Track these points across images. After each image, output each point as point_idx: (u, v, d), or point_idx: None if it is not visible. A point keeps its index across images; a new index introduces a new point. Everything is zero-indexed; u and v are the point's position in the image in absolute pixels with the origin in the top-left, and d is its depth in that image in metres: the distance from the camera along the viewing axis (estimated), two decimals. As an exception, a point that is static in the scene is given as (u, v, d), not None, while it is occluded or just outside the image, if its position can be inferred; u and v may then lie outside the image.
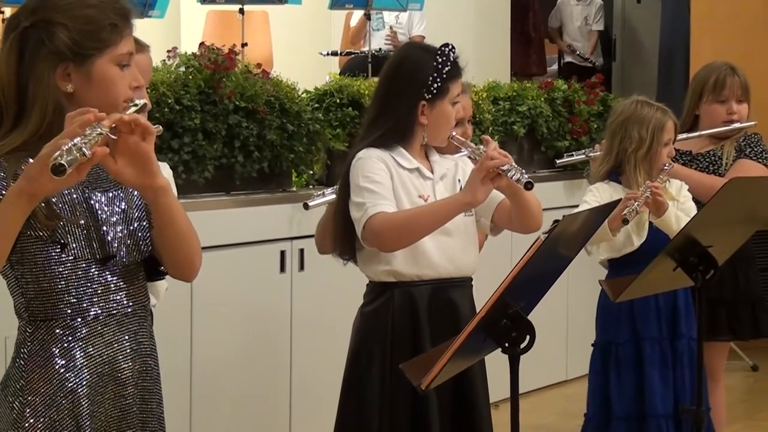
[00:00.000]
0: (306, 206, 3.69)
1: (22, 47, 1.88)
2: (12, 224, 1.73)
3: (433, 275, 2.71)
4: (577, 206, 3.49)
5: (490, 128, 5.09)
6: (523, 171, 2.56)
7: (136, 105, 1.85)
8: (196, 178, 4.00)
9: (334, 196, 3.01)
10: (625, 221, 3.11)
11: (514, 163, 2.57)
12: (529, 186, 2.53)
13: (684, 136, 3.77)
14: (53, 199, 1.86)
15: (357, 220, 2.66)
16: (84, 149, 1.65)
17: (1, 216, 1.73)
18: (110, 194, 1.95)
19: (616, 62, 8.27)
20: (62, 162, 1.62)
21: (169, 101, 3.93)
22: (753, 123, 3.81)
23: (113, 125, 1.74)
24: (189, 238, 1.95)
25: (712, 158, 3.74)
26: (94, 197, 1.93)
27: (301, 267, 4.26)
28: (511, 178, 2.53)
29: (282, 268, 4.23)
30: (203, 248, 2.03)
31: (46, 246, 1.88)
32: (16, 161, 1.84)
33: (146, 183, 1.84)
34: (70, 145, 1.65)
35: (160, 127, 1.91)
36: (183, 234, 1.94)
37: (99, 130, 1.70)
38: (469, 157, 2.78)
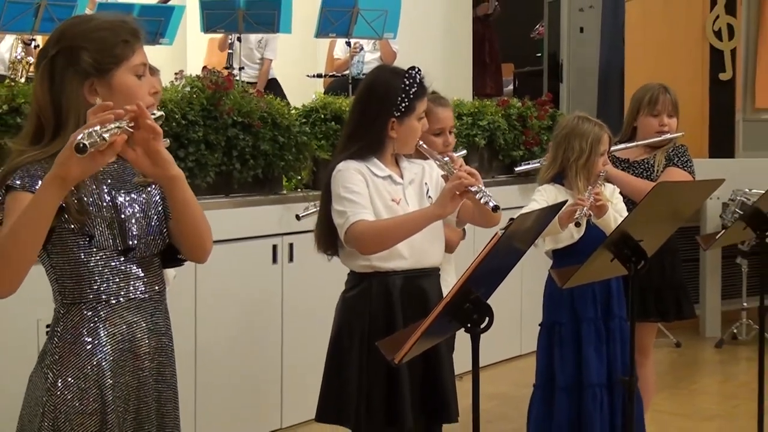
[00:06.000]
0: (298, 218, 3.71)
1: (52, 72, 1.90)
2: (47, 205, 1.73)
3: (405, 267, 2.71)
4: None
5: (456, 140, 5.11)
6: (490, 194, 2.53)
7: (154, 114, 1.86)
8: (199, 182, 4.00)
9: None
10: (578, 224, 3.16)
11: (482, 185, 2.55)
12: (496, 209, 2.51)
13: (623, 146, 3.81)
14: (84, 198, 1.88)
15: (339, 226, 2.65)
16: (104, 135, 1.68)
17: (39, 199, 1.73)
18: (132, 194, 1.97)
19: (563, 83, 8.31)
20: (84, 142, 1.65)
21: (176, 116, 3.94)
22: (681, 134, 3.85)
23: (131, 123, 1.76)
24: (201, 223, 1.97)
25: (646, 165, 3.77)
26: (119, 197, 1.94)
27: (291, 259, 4.27)
28: (480, 200, 2.52)
29: (274, 260, 4.23)
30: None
31: (76, 237, 1.89)
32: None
33: (160, 173, 1.86)
34: (90, 130, 1.68)
35: (168, 141, 1.91)
36: (196, 219, 1.95)
37: (118, 123, 1.72)
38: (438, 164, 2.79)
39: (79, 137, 1.66)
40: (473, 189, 2.53)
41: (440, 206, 2.59)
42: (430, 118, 2.86)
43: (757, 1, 6.63)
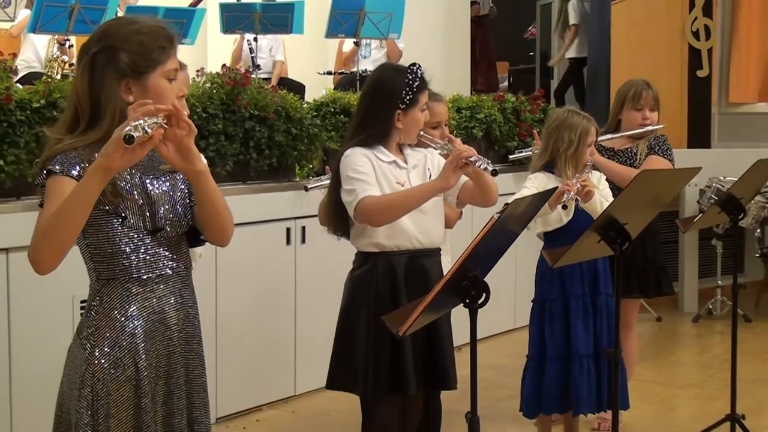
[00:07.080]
0: (306, 188, 3.72)
1: (93, 68, 1.90)
2: (91, 193, 1.75)
3: (409, 246, 2.71)
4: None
5: (455, 132, 5.10)
6: (488, 160, 2.57)
7: None
8: (219, 170, 4.00)
9: (327, 181, 2.99)
10: (564, 207, 3.17)
11: (478, 155, 2.57)
12: (495, 173, 2.55)
13: (609, 136, 3.82)
14: (118, 182, 1.89)
15: (349, 203, 2.65)
16: (147, 129, 1.71)
17: (84, 186, 1.75)
18: (161, 180, 1.97)
19: (554, 80, 8.28)
20: (132, 134, 1.68)
21: (198, 110, 3.93)
22: (661, 126, 3.86)
23: (165, 121, 1.77)
24: (224, 213, 1.97)
25: (629, 154, 3.77)
26: (149, 182, 1.95)
27: (303, 241, 4.27)
28: (479, 167, 2.55)
29: (288, 242, 4.23)
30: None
31: (110, 218, 1.90)
32: (90, 151, 1.86)
33: (188, 167, 1.87)
34: (137, 123, 1.70)
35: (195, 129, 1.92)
36: (219, 209, 1.96)
37: (156, 119, 1.75)
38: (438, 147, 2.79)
39: (127, 129, 1.68)
40: (472, 159, 2.53)
41: (443, 179, 2.59)
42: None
43: (731, 5, 6.61)
